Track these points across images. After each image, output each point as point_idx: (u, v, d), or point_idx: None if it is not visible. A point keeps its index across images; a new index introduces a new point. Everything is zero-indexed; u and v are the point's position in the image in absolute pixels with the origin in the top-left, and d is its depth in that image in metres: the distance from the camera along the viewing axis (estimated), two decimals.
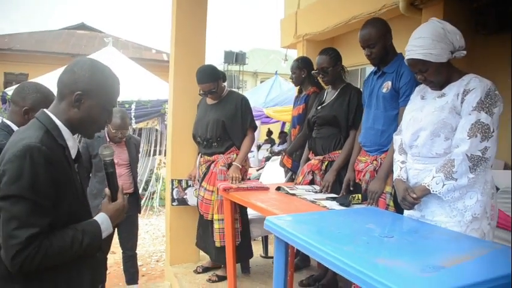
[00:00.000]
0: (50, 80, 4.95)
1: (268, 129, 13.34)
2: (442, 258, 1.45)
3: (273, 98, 10.32)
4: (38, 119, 1.44)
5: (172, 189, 3.71)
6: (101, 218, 1.51)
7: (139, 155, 7.21)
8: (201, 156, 3.54)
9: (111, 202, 1.61)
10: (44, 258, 1.29)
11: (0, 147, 1.47)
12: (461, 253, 1.53)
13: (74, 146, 1.51)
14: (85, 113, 1.48)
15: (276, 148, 10.74)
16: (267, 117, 9.75)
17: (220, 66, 26.15)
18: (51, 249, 1.30)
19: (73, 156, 1.50)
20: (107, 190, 1.64)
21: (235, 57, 22.38)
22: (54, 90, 1.58)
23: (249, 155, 10.48)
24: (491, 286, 1.27)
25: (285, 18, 7.87)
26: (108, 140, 3.64)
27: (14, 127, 2.05)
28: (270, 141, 13.12)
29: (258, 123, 10.29)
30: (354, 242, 1.62)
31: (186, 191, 3.75)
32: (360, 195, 2.58)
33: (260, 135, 11.70)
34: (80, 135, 1.63)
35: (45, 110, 1.48)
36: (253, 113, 9.89)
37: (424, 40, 1.95)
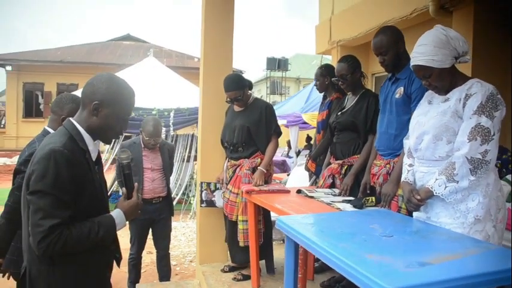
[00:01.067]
0: None
1: (307, 135, 13.35)
2: (432, 256, 1.50)
3: (311, 103, 10.32)
4: (65, 126, 1.69)
5: (202, 192, 3.88)
6: (116, 213, 1.75)
7: (175, 160, 7.51)
8: (228, 161, 3.70)
9: (126, 200, 1.83)
10: (64, 245, 1.53)
11: None
12: (453, 252, 1.58)
13: (94, 150, 1.75)
14: (102, 121, 1.70)
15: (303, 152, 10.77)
16: (305, 122, 9.79)
17: (263, 73, 26.40)
18: (71, 237, 1.54)
19: (94, 159, 1.73)
20: (123, 189, 1.88)
21: (278, 64, 22.50)
22: None
23: (288, 160, 10.52)
24: (468, 283, 1.33)
25: (319, 25, 7.93)
26: (142, 146, 3.89)
27: None
28: (309, 147, 13.13)
29: (295, 128, 10.39)
30: (352, 240, 1.71)
31: (214, 193, 3.91)
32: (373, 198, 2.64)
33: (298, 141, 11.74)
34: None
35: (70, 118, 1.72)
36: (291, 119, 9.93)
37: (426, 47, 2.02)
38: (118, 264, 1.93)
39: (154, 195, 3.90)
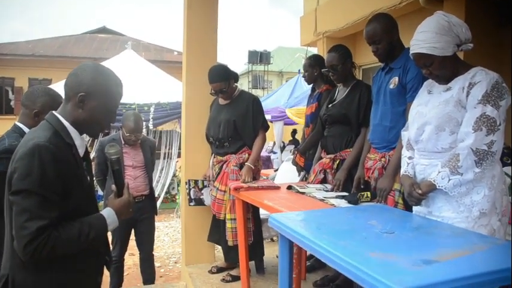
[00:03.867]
0: None
1: (293, 129, 13.28)
2: (438, 253, 1.41)
3: (296, 98, 10.21)
4: (47, 120, 1.55)
5: (190, 190, 3.74)
6: (107, 213, 1.62)
7: (161, 157, 7.35)
8: (214, 157, 3.57)
9: (117, 198, 1.71)
10: (52, 248, 1.39)
11: (12, 148, 1.58)
12: (459, 248, 1.49)
13: (81, 145, 1.61)
14: (89, 114, 1.57)
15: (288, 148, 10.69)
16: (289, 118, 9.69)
17: (245, 66, 26.25)
18: (59, 239, 1.41)
19: (81, 155, 1.60)
20: (113, 186, 1.74)
21: (260, 57, 22.33)
22: None
23: (273, 156, 10.42)
24: (478, 281, 1.24)
25: (304, 16, 7.85)
26: (123, 142, 3.72)
27: (25, 129, 2.14)
28: (294, 142, 13.07)
29: (280, 124, 10.28)
30: (351, 237, 1.61)
31: (202, 191, 3.78)
32: (368, 193, 2.54)
33: (283, 136, 11.65)
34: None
35: (53, 112, 1.58)
36: (276, 114, 9.81)
37: (427, 34, 1.91)
38: (108, 268, 1.81)
39: (137, 194, 3.73)
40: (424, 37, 1.91)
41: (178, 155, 7.86)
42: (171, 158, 7.86)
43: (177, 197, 7.79)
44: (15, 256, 1.44)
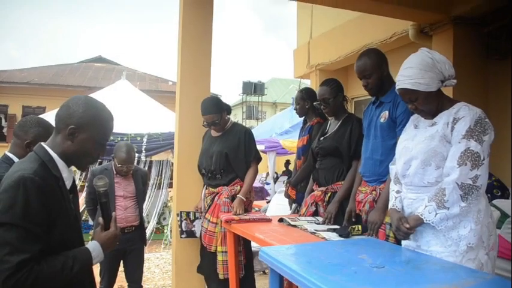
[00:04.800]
0: None
1: (287, 160, 13.28)
2: None
3: (290, 129, 10.25)
4: (35, 152, 1.53)
5: (181, 222, 3.71)
6: (93, 246, 1.59)
7: (150, 187, 7.28)
8: (206, 188, 3.56)
9: (103, 231, 1.68)
10: (34, 283, 1.35)
11: (1, 179, 1.55)
12: (449, 283, 1.50)
13: (69, 177, 1.59)
14: (78, 146, 1.57)
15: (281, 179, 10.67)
16: (283, 148, 9.70)
17: (239, 97, 26.44)
18: (42, 274, 1.37)
19: (68, 187, 1.57)
20: (100, 219, 1.71)
21: (254, 88, 22.49)
22: None
23: (266, 186, 10.35)
24: None
25: (298, 49, 8.00)
26: (114, 172, 3.71)
27: (15, 159, 2.13)
28: (287, 173, 13.04)
29: (273, 154, 10.28)
30: (342, 272, 1.61)
31: (194, 223, 3.75)
32: (359, 226, 2.55)
33: (276, 167, 11.64)
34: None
35: (42, 143, 1.57)
36: (269, 144, 9.80)
37: (412, 70, 1.97)
38: None
39: (127, 224, 3.69)
40: (409, 73, 1.97)
41: (169, 185, 7.82)
42: (161, 188, 7.80)
43: (165, 228, 7.69)
44: None
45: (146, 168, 7.02)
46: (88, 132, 1.57)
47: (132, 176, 3.79)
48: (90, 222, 6.01)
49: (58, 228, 1.46)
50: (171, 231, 7.24)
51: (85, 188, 3.95)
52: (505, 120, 4.16)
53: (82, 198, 4.37)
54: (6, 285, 1.33)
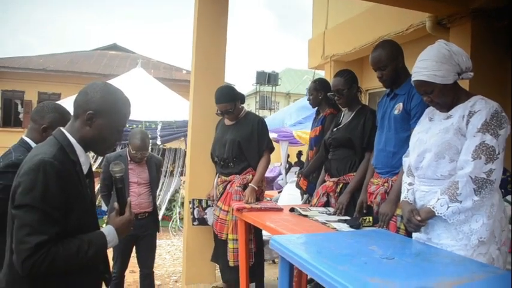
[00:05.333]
0: None
1: (299, 151, 13.25)
2: (436, 280, 1.43)
3: (302, 119, 10.19)
4: (54, 136, 1.57)
5: (193, 209, 3.75)
6: (108, 230, 1.63)
7: (162, 174, 7.35)
8: (218, 177, 3.59)
9: (118, 216, 1.71)
10: (51, 264, 1.39)
11: (19, 162, 1.60)
12: (458, 276, 1.50)
13: (86, 162, 1.63)
14: (96, 132, 1.59)
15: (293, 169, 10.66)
16: (296, 138, 9.66)
17: (252, 87, 26.36)
18: (58, 256, 1.41)
19: (85, 172, 1.61)
20: (115, 204, 1.74)
21: (268, 78, 22.33)
22: None
23: (278, 177, 10.35)
24: None
25: (312, 39, 7.93)
26: (129, 159, 3.75)
27: (32, 144, 2.17)
28: (299, 163, 13.02)
29: (285, 144, 10.28)
30: (351, 262, 1.61)
31: (206, 211, 3.78)
32: (371, 218, 2.55)
33: (288, 157, 11.62)
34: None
35: (61, 128, 1.60)
36: (282, 134, 9.79)
37: (428, 62, 1.95)
38: (107, 285, 1.80)
39: (140, 211, 3.73)
40: (425, 65, 1.95)
41: (181, 173, 7.88)
42: (173, 176, 7.87)
43: (178, 215, 7.75)
44: (13, 271, 1.44)
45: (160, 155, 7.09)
46: (105, 118, 1.59)
47: (146, 163, 3.82)
48: (103, 207, 6.08)
49: (75, 212, 1.50)
50: (181, 218, 7.33)
51: (100, 175, 3.98)
52: None
53: (96, 184, 4.43)
54: (25, 265, 1.37)
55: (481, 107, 1.89)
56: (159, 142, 6.84)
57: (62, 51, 19.69)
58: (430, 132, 2.03)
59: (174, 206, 8.02)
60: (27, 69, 16.75)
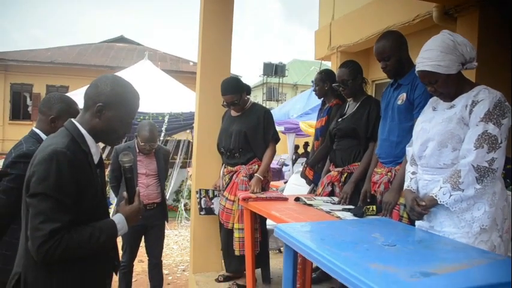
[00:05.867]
0: None
1: (305, 142, 13.27)
2: (436, 266, 1.45)
3: (309, 111, 10.17)
4: (66, 128, 1.62)
5: (200, 199, 3.79)
6: (118, 218, 1.68)
7: (170, 166, 7.42)
8: (224, 167, 3.63)
9: (127, 204, 1.76)
10: (64, 250, 1.45)
11: (30, 153, 1.66)
12: (458, 262, 1.52)
13: (96, 152, 1.68)
14: (106, 123, 1.64)
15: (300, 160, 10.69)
16: (302, 130, 9.66)
17: (260, 78, 26.35)
18: (71, 242, 1.47)
19: (95, 162, 1.67)
20: (124, 193, 1.80)
21: (275, 69, 22.32)
22: None
23: (284, 168, 10.40)
24: None
25: (319, 30, 7.90)
26: (137, 150, 3.80)
27: (42, 135, 2.23)
28: (306, 155, 13.03)
29: (292, 136, 10.29)
30: (354, 249, 1.65)
31: (212, 201, 3.83)
32: (374, 207, 2.58)
33: (297, 148, 11.65)
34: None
35: (72, 119, 1.66)
36: (289, 126, 9.81)
37: (432, 52, 1.96)
38: (116, 272, 1.86)
39: (149, 201, 3.80)
40: (429, 55, 1.96)
41: (183, 165, 7.94)
42: (182, 168, 7.94)
43: (179, 206, 7.84)
44: (29, 256, 1.50)
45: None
46: (115, 110, 1.64)
47: (155, 154, 3.88)
48: (112, 198, 6.16)
49: (86, 201, 1.55)
50: (187, 209, 7.39)
51: (109, 166, 4.04)
52: None
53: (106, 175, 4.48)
54: (40, 251, 1.43)
55: (484, 96, 1.90)
56: (162, 136, 6.90)
57: (70, 44, 19.78)
58: (433, 122, 2.05)
59: (182, 196, 8.11)
60: (36, 62, 16.87)
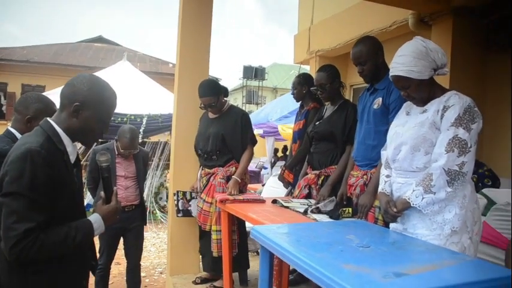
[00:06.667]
0: None
1: (285, 146, 13.33)
2: (409, 267, 1.49)
3: (288, 114, 10.21)
4: (41, 127, 1.60)
5: (178, 201, 3.78)
6: (94, 218, 1.66)
7: (148, 168, 7.37)
8: (202, 169, 3.63)
9: (104, 204, 1.74)
10: (39, 250, 1.43)
11: (3, 152, 1.63)
12: (430, 263, 1.57)
13: (73, 151, 1.66)
14: (82, 123, 1.62)
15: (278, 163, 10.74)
16: (281, 134, 9.70)
17: (239, 81, 26.34)
18: (46, 242, 1.44)
19: (72, 161, 1.65)
20: (102, 193, 1.78)
21: (255, 73, 22.31)
22: None
23: (263, 171, 10.40)
24: None
25: (298, 34, 7.98)
26: (116, 153, 3.77)
27: (17, 134, 2.19)
28: (285, 158, 13.09)
29: (271, 139, 10.32)
30: (328, 250, 1.67)
31: (190, 203, 3.82)
32: (350, 209, 2.62)
33: (276, 151, 11.69)
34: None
35: (48, 118, 1.63)
36: (268, 129, 9.81)
37: (405, 58, 2.01)
38: (93, 273, 1.84)
39: (127, 203, 3.77)
40: (402, 60, 2.01)
41: (159, 166, 7.89)
42: (160, 169, 7.89)
43: (156, 208, 7.79)
44: (2, 258, 1.47)
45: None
46: (92, 110, 1.62)
47: (133, 157, 3.84)
48: (89, 200, 6.07)
49: (62, 200, 1.53)
50: (164, 211, 7.33)
51: (87, 167, 4.00)
52: (502, 111, 4.21)
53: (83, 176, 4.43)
54: (13, 251, 1.40)
55: (455, 101, 1.96)
56: (140, 138, 6.84)
57: (46, 43, 19.37)
58: (406, 126, 2.10)
59: (161, 198, 8.06)
60: (10, 61, 16.40)
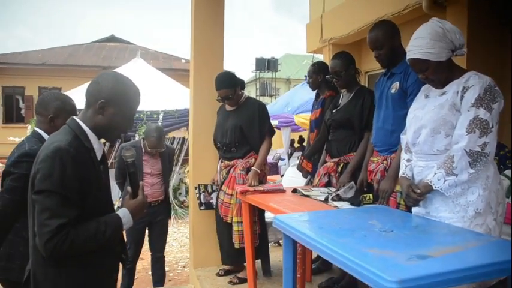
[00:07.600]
0: (82, 93, 5.23)
1: (300, 136, 13.29)
2: (432, 249, 1.48)
3: (303, 104, 10.17)
4: (69, 125, 1.65)
5: (200, 194, 3.82)
6: (123, 213, 1.70)
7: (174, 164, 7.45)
8: (221, 161, 3.65)
9: (132, 198, 1.78)
10: (71, 245, 1.48)
11: (32, 152, 1.68)
12: (453, 245, 1.56)
13: (99, 149, 1.71)
14: (108, 120, 1.67)
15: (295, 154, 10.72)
16: (297, 124, 9.68)
17: (252, 74, 26.26)
18: (78, 237, 1.49)
19: (98, 158, 1.69)
20: (129, 188, 1.82)
21: (267, 64, 22.16)
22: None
23: (280, 162, 10.40)
24: (468, 274, 1.31)
25: (310, 23, 7.92)
26: (143, 150, 3.85)
27: (44, 134, 2.27)
28: (301, 148, 13.06)
29: (287, 130, 10.30)
30: (351, 236, 1.68)
31: (212, 195, 3.86)
32: (371, 195, 2.61)
33: (292, 142, 11.66)
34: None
35: (74, 117, 1.69)
36: (283, 120, 9.79)
37: (422, 40, 1.99)
38: (124, 266, 1.88)
39: (153, 199, 3.87)
40: (419, 43, 1.99)
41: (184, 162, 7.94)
42: (177, 165, 7.95)
43: (175, 203, 7.85)
44: (37, 253, 1.53)
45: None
46: (116, 107, 1.66)
47: (159, 155, 3.93)
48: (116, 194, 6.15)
49: (91, 196, 1.58)
50: (184, 206, 7.39)
51: (115, 163, 4.11)
52: None
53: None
54: (48, 247, 1.46)
55: (475, 82, 1.93)
56: None
57: (60, 45, 19.63)
58: (426, 109, 2.08)
59: (180, 193, 8.13)
60: (27, 65, 16.72)
